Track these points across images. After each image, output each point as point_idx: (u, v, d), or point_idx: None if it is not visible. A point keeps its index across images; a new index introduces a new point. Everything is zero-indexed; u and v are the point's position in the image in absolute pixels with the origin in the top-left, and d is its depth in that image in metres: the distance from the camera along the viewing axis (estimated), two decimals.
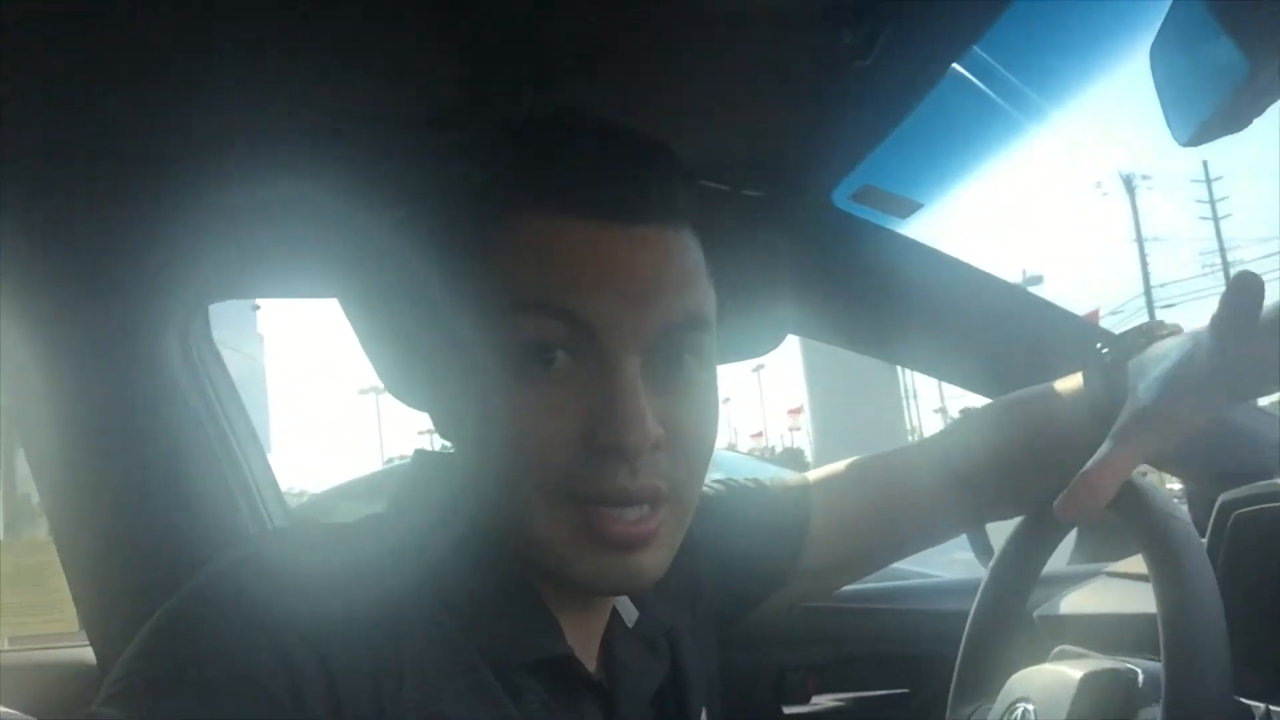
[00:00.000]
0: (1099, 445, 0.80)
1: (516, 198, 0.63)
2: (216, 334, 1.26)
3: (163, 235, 1.02)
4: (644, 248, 0.63)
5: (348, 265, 0.84)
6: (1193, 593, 0.70)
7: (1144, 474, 0.87)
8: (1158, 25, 0.84)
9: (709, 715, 0.80)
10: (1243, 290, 0.68)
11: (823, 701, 1.43)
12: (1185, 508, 1.16)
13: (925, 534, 0.96)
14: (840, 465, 0.96)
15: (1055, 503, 0.77)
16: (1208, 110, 0.66)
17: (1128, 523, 0.78)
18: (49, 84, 0.77)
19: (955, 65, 0.94)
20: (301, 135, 0.88)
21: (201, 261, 1.08)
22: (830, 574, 0.95)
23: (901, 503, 0.92)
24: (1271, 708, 0.75)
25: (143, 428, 1.10)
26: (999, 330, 1.21)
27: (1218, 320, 0.70)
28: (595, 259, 0.62)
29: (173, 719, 0.50)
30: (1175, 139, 0.68)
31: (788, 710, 1.41)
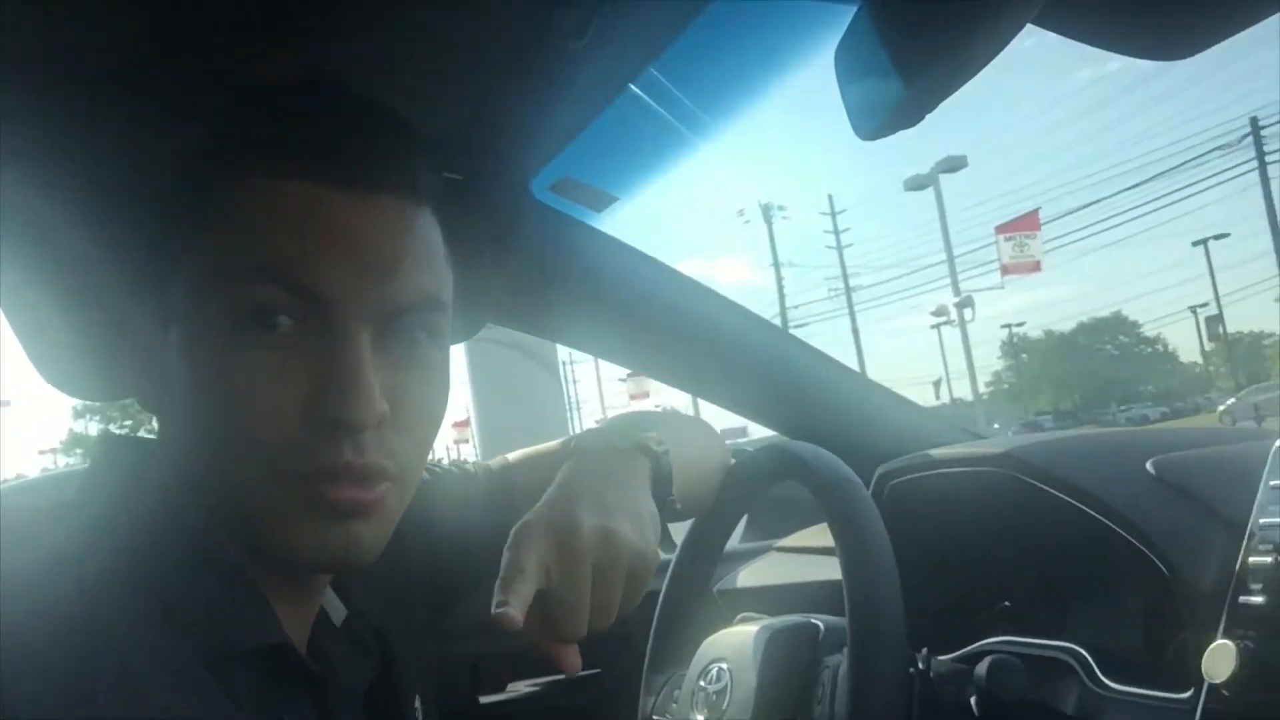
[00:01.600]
0: None
1: (241, 161, 0.60)
2: None
3: None
4: (384, 219, 0.61)
5: (11, 243, 0.75)
6: (873, 549, 0.78)
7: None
8: (809, 55, 0.95)
9: (423, 704, 0.78)
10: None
11: (519, 688, 1.45)
12: None
13: None
14: (542, 446, 0.97)
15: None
16: (883, 110, 0.74)
17: (813, 489, 0.86)
18: None
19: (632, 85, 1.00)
20: None
21: None
22: None
23: None
24: (935, 656, 0.85)
25: None
26: (683, 323, 1.27)
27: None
28: (330, 226, 0.59)
29: None
30: (857, 133, 0.75)
31: (484, 699, 1.41)
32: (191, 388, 0.60)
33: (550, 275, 1.21)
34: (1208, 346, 46.99)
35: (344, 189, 0.60)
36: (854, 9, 0.76)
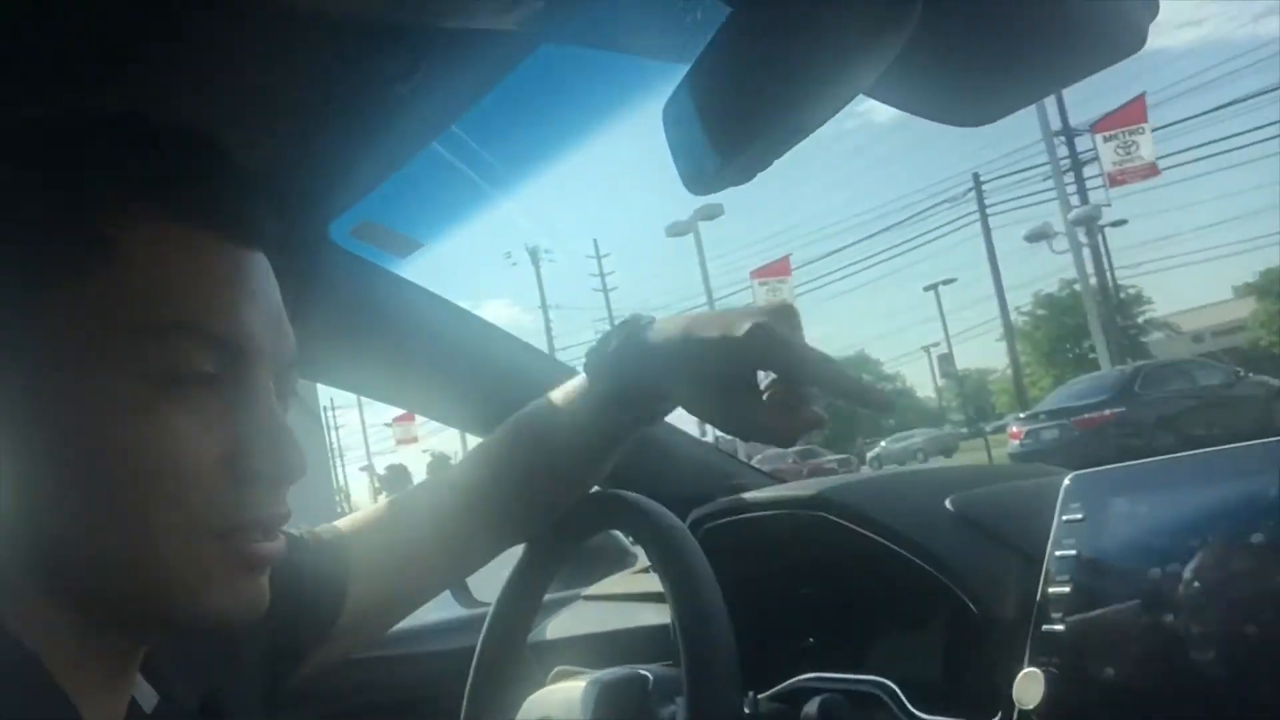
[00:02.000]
0: (600, 445, 0.91)
1: (131, 205, 0.56)
2: None
3: None
4: (264, 270, 0.61)
5: None
6: (705, 597, 0.78)
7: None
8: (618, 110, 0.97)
9: None
10: None
11: None
12: None
13: (459, 564, 0.97)
14: (369, 510, 0.94)
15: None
16: (709, 168, 0.75)
17: (638, 537, 0.86)
18: None
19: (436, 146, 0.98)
20: None
21: None
22: (376, 619, 0.92)
23: (431, 539, 0.91)
24: (757, 695, 0.86)
25: None
26: (487, 370, 1.25)
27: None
28: (239, 279, 0.58)
29: None
30: (687, 188, 0.76)
31: None
32: (81, 450, 0.54)
33: (346, 320, 1.16)
34: (940, 383, 50.96)
35: (243, 243, 0.59)
36: (673, 68, 0.77)
